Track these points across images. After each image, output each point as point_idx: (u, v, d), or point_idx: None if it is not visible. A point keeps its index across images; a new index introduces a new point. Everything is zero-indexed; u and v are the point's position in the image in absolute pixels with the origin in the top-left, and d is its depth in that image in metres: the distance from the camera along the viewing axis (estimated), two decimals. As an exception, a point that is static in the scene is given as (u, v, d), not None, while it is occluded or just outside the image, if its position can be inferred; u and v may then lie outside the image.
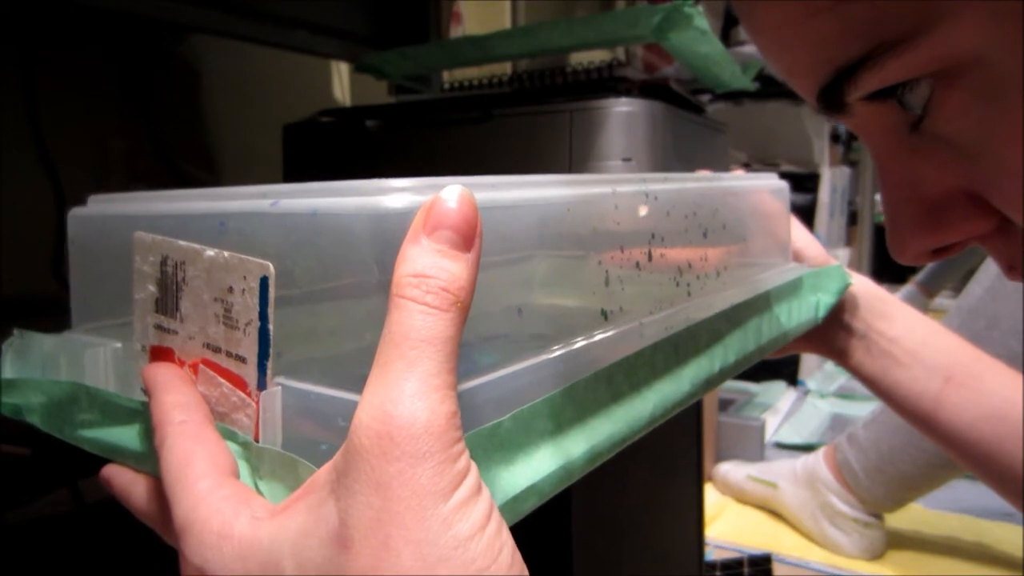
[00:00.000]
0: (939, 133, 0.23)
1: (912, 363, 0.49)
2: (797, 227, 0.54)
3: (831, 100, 0.24)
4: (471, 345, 0.21)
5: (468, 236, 0.21)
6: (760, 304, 0.42)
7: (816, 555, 1.06)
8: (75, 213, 0.34)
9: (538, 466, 0.24)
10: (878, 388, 0.51)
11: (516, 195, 0.27)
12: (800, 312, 0.47)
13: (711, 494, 1.23)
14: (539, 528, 0.54)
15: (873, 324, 0.51)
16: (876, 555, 1.05)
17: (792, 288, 0.47)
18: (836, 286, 0.50)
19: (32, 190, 0.69)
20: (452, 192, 0.21)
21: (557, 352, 0.27)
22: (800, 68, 0.24)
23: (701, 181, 0.41)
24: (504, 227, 0.26)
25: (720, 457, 1.31)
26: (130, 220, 0.30)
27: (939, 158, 0.24)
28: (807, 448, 1.34)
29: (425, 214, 0.21)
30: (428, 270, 0.21)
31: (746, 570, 1.00)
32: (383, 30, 0.93)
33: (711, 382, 0.35)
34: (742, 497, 1.21)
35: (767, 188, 0.49)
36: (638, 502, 0.65)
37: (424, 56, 0.79)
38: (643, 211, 0.34)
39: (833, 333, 0.52)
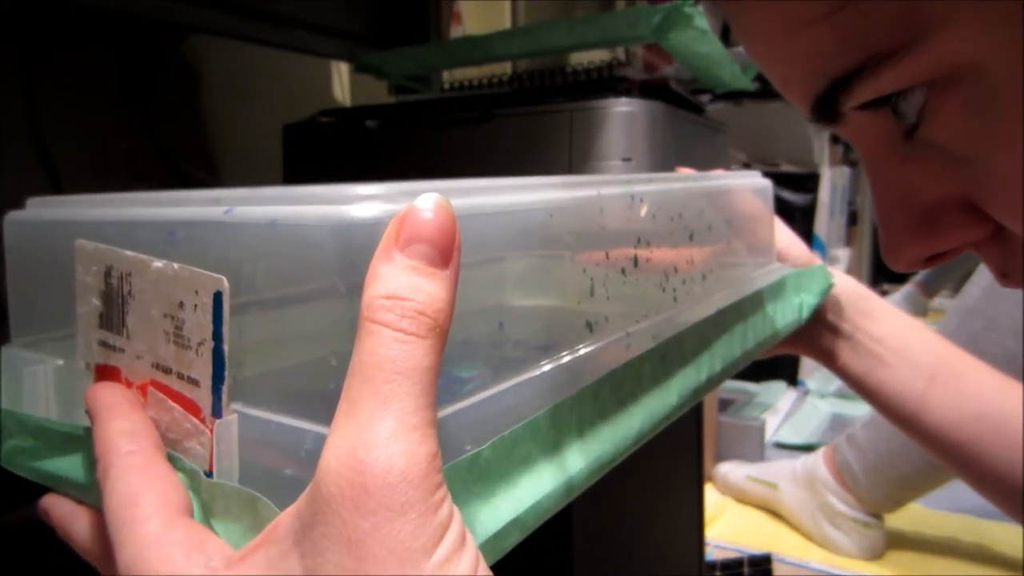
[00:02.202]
0: (933, 141, 0.23)
1: (897, 363, 0.49)
2: (780, 226, 0.54)
3: (825, 110, 0.24)
4: (447, 360, 0.19)
5: (446, 250, 0.19)
6: (745, 308, 0.41)
7: (816, 555, 1.06)
8: (12, 217, 0.32)
9: (521, 496, 0.22)
10: (863, 388, 0.51)
11: (496, 201, 0.25)
12: (784, 314, 0.47)
13: (711, 494, 1.23)
14: (539, 528, 0.53)
15: (858, 324, 0.51)
16: (876, 555, 1.05)
17: (776, 290, 0.47)
18: (819, 286, 0.50)
19: (32, 190, 0.69)
20: (427, 201, 0.19)
21: (540, 370, 0.25)
22: (794, 79, 0.24)
23: (686, 181, 0.41)
24: (483, 235, 0.24)
25: (720, 457, 1.31)
26: (72, 226, 0.28)
27: (932, 165, 0.24)
28: (807, 448, 1.34)
29: (398, 226, 0.19)
30: (402, 291, 0.18)
31: (746, 570, 1.00)
32: (383, 30, 0.93)
33: (699, 391, 0.34)
34: (742, 497, 1.21)
35: (751, 187, 0.49)
36: (638, 502, 0.65)
37: (424, 56, 0.79)
38: (643, 212, 0.34)
39: (818, 333, 0.52)
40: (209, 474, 0.22)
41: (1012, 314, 0.90)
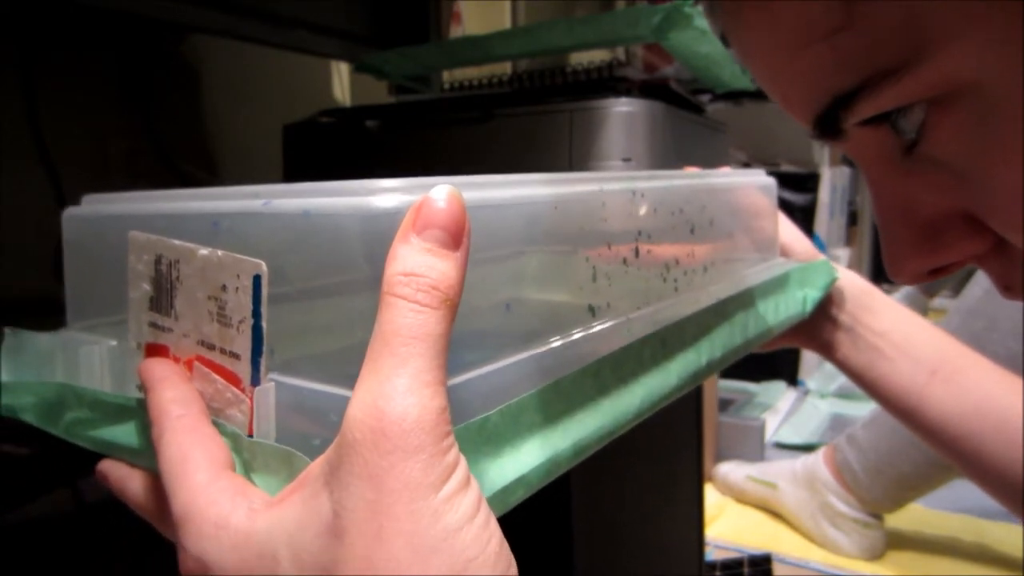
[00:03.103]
0: (933, 156, 0.23)
1: (898, 357, 0.50)
2: (784, 223, 0.54)
3: (826, 126, 0.24)
4: (459, 340, 0.22)
5: (457, 235, 0.22)
6: (747, 299, 0.42)
7: (816, 555, 1.06)
8: (70, 213, 0.35)
9: (525, 459, 0.24)
10: (864, 381, 0.51)
11: (504, 194, 0.28)
12: (788, 306, 0.47)
13: (711, 494, 1.23)
14: (540, 528, 0.54)
15: (860, 318, 0.52)
16: (876, 555, 1.05)
17: (779, 283, 0.47)
18: (823, 281, 0.51)
19: (32, 190, 0.69)
20: (441, 192, 0.22)
21: (544, 347, 0.27)
22: (795, 97, 0.24)
23: (689, 178, 0.41)
24: (492, 225, 0.26)
25: (720, 457, 1.31)
26: (125, 220, 0.30)
27: (933, 180, 0.24)
28: (807, 448, 1.34)
29: (414, 214, 0.22)
30: (418, 268, 0.21)
31: (746, 570, 1.00)
32: (383, 30, 0.93)
33: (699, 375, 0.35)
34: (742, 497, 1.21)
35: (755, 184, 0.50)
36: (638, 502, 0.65)
37: (424, 56, 0.79)
38: (643, 210, 0.34)
39: (820, 327, 0.52)
40: (250, 437, 0.24)
41: (1013, 315, 0.90)
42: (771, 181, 0.52)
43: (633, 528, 0.64)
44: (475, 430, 0.23)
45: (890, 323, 0.51)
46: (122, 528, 0.57)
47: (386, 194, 0.23)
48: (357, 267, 0.23)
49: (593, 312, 0.31)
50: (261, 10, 0.76)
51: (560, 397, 0.26)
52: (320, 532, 0.20)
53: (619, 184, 0.34)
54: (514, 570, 0.20)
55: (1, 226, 0.66)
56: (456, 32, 1.19)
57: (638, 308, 0.33)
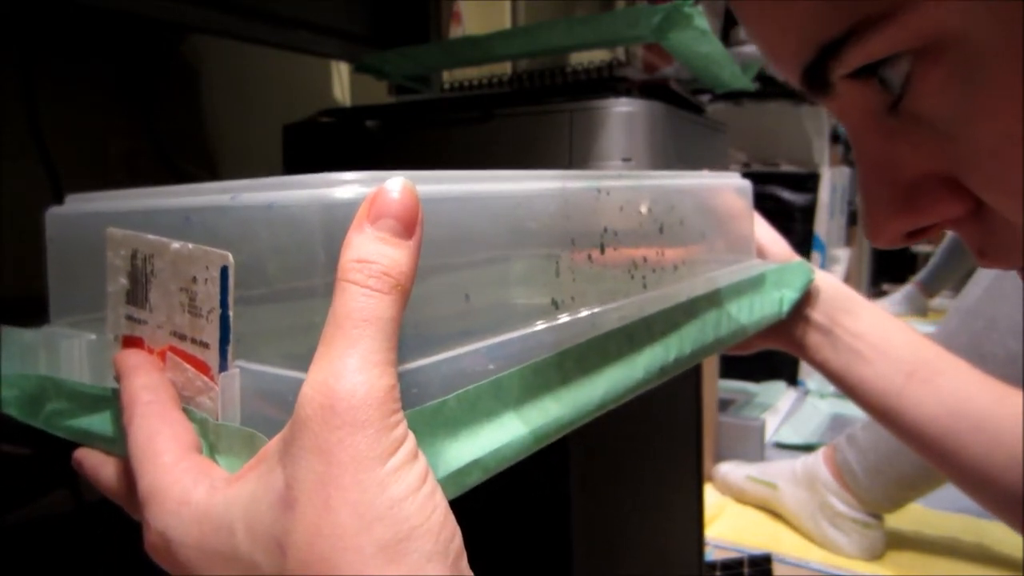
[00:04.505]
0: (917, 112, 0.23)
1: (876, 358, 0.50)
2: (761, 224, 0.54)
3: (815, 79, 0.24)
4: (418, 326, 0.23)
5: (409, 224, 0.23)
6: (719, 298, 0.43)
7: (816, 555, 1.06)
8: (52, 212, 0.36)
9: (482, 443, 0.25)
10: (843, 383, 0.52)
11: (465, 188, 0.28)
12: (763, 307, 0.48)
13: (711, 494, 1.23)
14: (540, 528, 0.54)
15: (838, 320, 0.52)
16: (876, 555, 1.05)
17: (755, 283, 0.48)
18: (800, 282, 0.51)
19: (32, 190, 0.69)
20: (395, 183, 0.23)
21: (504, 337, 0.28)
22: (786, 48, 0.24)
23: (657, 179, 0.42)
24: (455, 219, 0.27)
25: (720, 457, 1.31)
26: (104, 217, 0.31)
27: (916, 139, 0.24)
28: (807, 448, 1.34)
29: (369, 204, 0.23)
30: (371, 256, 0.22)
31: (746, 570, 1.00)
32: (383, 30, 0.93)
33: (666, 370, 0.35)
34: (742, 497, 1.21)
35: (729, 186, 0.50)
36: (638, 502, 0.65)
37: (424, 56, 0.79)
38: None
39: (798, 328, 0.53)
40: (216, 422, 0.25)
41: (1013, 314, 0.90)
42: (746, 183, 0.52)
43: (633, 528, 0.64)
44: (430, 413, 0.23)
45: (868, 325, 0.51)
46: (122, 528, 0.57)
47: (345, 186, 0.24)
48: (316, 255, 0.24)
49: (557, 305, 0.31)
50: (261, 10, 0.76)
51: (520, 385, 0.27)
52: (272, 504, 0.21)
53: (584, 182, 0.34)
54: (458, 541, 0.21)
55: (1, 226, 0.66)
56: (456, 32, 1.19)
57: (603, 304, 0.34)
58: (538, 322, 0.30)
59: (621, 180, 0.37)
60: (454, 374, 0.25)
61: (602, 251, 0.34)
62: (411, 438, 0.21)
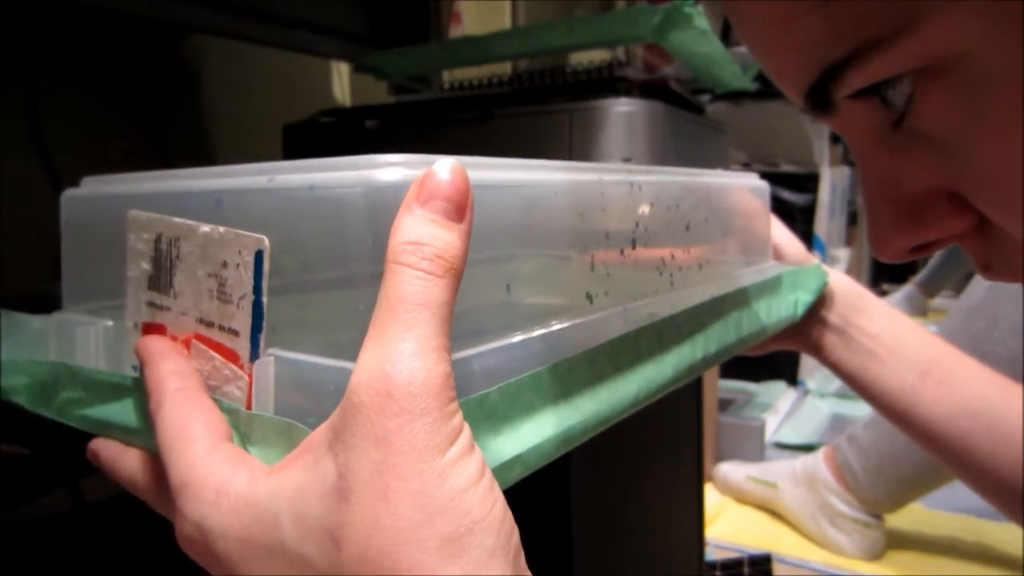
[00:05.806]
0: (920, 130, 0.23)
1: (890, 359, 0.50)
2: (777, 225, 0.54)
3: (818, 99, 0.24)
4: (459, 317, 0.22)
5: (460, 207, 0.22)
6: (740, 298, 0.43)
7: (816, 555, 1.06)
8: (69, 194, 0.34)
9: (523, 438, 0.24)
10: (857, 383, 0.52)
11: (505, 176, 0.28)
12: (779, 309, 0.48)
13: (711, 494, 1.23)
14: (540, 527, 0.54)
15: (852, 320, 0.52)
16: (876, 555, 1.05)
17: (772, 285, 0.48)
18: (815, 284, 0.51)
19: (32, 190, 0.69)
20: (444, 165, 0.22)
21: (543, 331, 0.27)
22: (788, 69, 0.24)
23: (683, 175, 0.42)
24: (493, 207, 0.26)
25: (720, 457, 1.30)
26: (124, 200, 0.30)
27: (919, 156, 0.24)
28: (807, 448, 1.34)
29: (419, 186, 0.22)
30: (423, 238, 0.21)
31: (746, 570, 1.00)
32: (383, 30, 0.93)
33: (693, 369, 0.35)
34: (742, 497, 1.21)
35: (748, 187, 0.50)
36: (638, 502, 0.65)
37: (424, 56, 0.79)
38: (641, 202, 0.35)
39: (813, 329, 0.53)
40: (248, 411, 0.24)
41: (1014, 314, 0.90)
42: (764, 184, 0.52)
43: (633, 528, 0.64)
44: (475, 405, 0.23)
45: (882, 325, 0.51)
46: (122, 528, 0.57)
47: (390, 168, 0.23)
48: (361, 239, 0.23)
49: (591, 300, 0.31)
50: (261, 10, 0.76)
51: (558, 381, 0.26)
52: (323, 495, 0.20)
53: (617, 176, 0.34)
54: (517, 537, 0.20)
55: (0, 225, 0.66)
56: (456, 32, 1.19)
57: (634, 299, 0.33)
58: (573, 316, 0.30)
59: (651, 175, 0.36)
60: (494, 366, 0.25)
61: (633, 246, 0.34)
62: (467, 429, 0.21)
